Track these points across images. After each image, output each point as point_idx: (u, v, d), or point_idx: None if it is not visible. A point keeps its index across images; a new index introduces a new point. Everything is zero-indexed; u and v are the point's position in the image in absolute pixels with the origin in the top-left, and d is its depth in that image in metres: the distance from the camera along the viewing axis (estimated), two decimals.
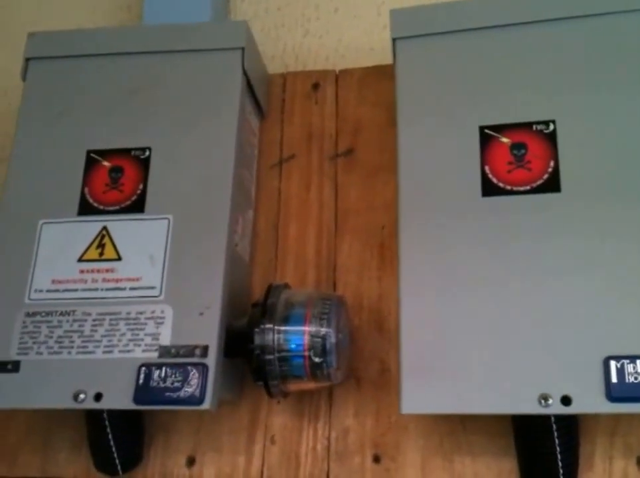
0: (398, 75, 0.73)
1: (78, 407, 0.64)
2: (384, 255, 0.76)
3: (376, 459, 0.70)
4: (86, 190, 0.72)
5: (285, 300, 0.68)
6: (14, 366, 0.65)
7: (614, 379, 0.57)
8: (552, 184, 0.65)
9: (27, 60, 0.80)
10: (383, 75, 0.82)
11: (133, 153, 0.73)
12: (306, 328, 0.65)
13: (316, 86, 0.85)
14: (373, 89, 0.83)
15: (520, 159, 0.66)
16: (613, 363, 0.57)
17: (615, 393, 0.57)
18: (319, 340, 0.64)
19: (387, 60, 0.78)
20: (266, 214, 0.81)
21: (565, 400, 0.58)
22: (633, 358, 0.57)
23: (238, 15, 0.96)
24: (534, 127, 0.68)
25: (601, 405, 0.57)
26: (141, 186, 0.71)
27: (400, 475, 0.69)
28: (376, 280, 0.76)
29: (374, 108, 0.82)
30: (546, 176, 0.65)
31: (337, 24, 0.93)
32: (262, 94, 0.82)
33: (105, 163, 0.73)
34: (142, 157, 0.73)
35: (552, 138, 0.67)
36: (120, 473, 0.69)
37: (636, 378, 0.57)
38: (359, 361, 0.73)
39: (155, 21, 0.85)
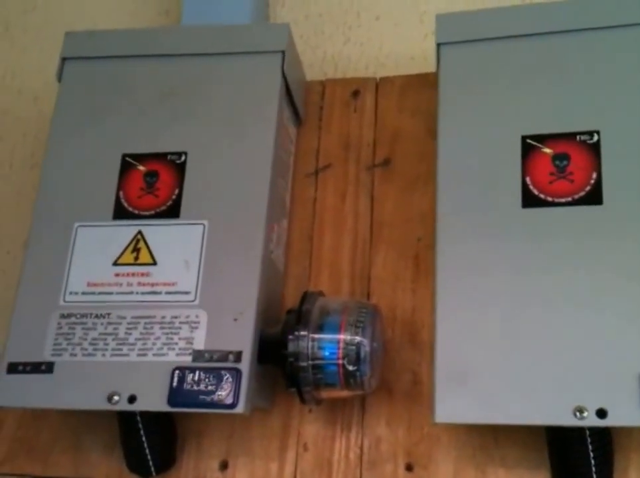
0: (440, 81, 0.74)
1: (112, 409, 0.66)
2: (419, 267, 0.77)
3: (409, 468, 0.71)
4: (121, 194, 0.73)
5: (320, 307, 0.69)
6: (48, 367, 0.67)
7: None
8: (594, 197, 0.66)
9: (63, 59, 0.81)
10: (424, 83, 0.83)
11: (169, 157, 0.74)
12: (341, 336, 0.66)
13: (356, 94, 0.86)
14: (413, 98, 0.84)
15: (562, 170, 0.67)
16: None
17: None
18: (354, 348, 0.65)
19: (427, 69, 0.81)
20: (300, 224, 0.82)
21: (601, 413, 0.59)
22: None
23: (277, 21, 0.98)
24: (578, 137, 0.68)
25: (637, 419, 0.59)
26: (176, 191, 0.73)
27: None
28: (410, 292, 0.76)
29: (414, 118, 0.83)
30: (588, 188, 0.66)
31: (378, 32, 0.95)
32: (300, 101, 0.83)
33: (141, 167, 0.74)
34: (178, 161, 0.74)
35: (595, 149, 0.67)
36: (153, 474, 0.71)
37: None
38: (391, 372, 0.74)
39: (194, 22, 0.86)
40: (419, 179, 0.80)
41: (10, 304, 0.73)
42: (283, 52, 0.78)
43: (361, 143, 0.84)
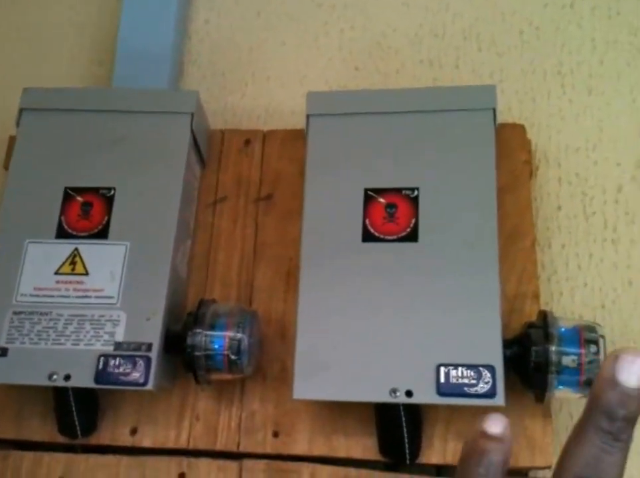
0: (308, 142, 0.85)
1: (52, 385, 0.75)
2: (289, 280, 0.88)
3: (275, 435, 0.81)
4: (63, 218, 0.83)
5: (212, 311, 0.79)
6: (3, 352, 0.76)
7: (442, 380, 0.71)
8: (412, 236, 0.78)
9: (21, 110, 0.90)
10: (299, 137, 0.93)
11: (100, 191, 0.84)
12: (227, 333, 0.76)
13: (247, 142, 0.97)
14: (290, 148, 0.95)
15: (391, 216, 0.79)
16: (442, 368, 0.72)
17: (442, 390, 0.71)
18: (236, 342, 0.76)
19: (303, 122, 0.89)
20: (201, 244, 0.91)
21: (409, 393, 0.71)
22: (455, 366, 0.72)
23: (189, 77, 1.07)
24: (403, 191, 0.80)
25: (432, 398, 0.71)
26: (106, 218, 0.82)
27: (292, 447, 0.80)
28: (282, 300, 0.87)
29: (291, 163, 0.94)
30: (408, 229, 0.78)
31: (268, 90, 1.06)
32: (204, 148, 0.94)
33: (79, 198, 0.84)
34: (108, 194, 0.84)
35: (415, 201, 0.79)
36: (79, 436, 0.80)
37: (457, 380, 0.71)
38: (265, 361, 0.83)
39: (123, 84, 0.98)
40: (293, 212, 0.90)
41: None
42: (192, 114, 0.88)
43: (250, 181, 0.94)
